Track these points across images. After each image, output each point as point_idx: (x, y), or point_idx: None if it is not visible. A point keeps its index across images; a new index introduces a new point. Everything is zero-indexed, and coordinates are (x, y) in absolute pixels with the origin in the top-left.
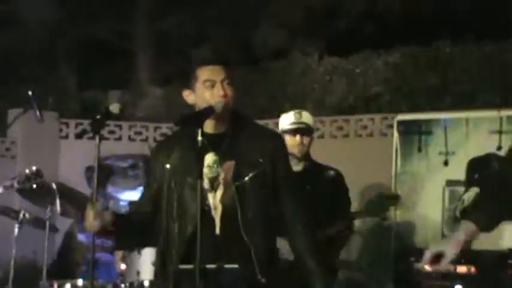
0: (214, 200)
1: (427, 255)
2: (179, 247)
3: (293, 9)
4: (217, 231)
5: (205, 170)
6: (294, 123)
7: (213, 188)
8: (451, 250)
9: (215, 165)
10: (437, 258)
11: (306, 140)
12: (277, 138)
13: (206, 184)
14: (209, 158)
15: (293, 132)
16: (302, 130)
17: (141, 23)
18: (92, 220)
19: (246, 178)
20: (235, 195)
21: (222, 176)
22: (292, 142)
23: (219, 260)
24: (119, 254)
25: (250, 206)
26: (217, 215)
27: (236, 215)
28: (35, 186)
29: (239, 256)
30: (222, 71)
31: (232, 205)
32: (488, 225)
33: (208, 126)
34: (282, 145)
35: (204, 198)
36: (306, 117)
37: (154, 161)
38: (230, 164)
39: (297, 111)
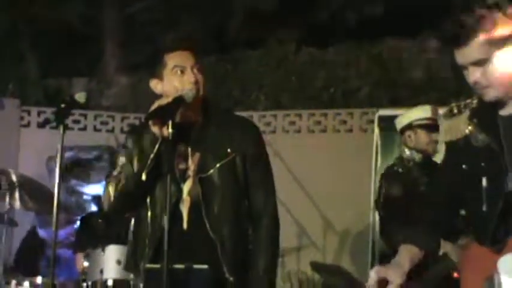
0: (183, 193)
1: (373, 278)
2: (150, 241)
3: None
4: (185, 226)
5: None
6: (431, 119)
7: (182, 180)
8: (396, 279)
9: (184, 156)
10: (383, 282)
11: (436, 137)
12: (250, 126)
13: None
14: (178, 149)
15: (429, 129)
16: (437, 128)
17: (108, 7)
18: None
19: (211, 170)
20: (198, 188)
21: (191, 168)
22: (425, 139)
23: (188, 257)
24: None
25: (216, 200)
26: (184, 209)
27: (201, 210)
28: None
29: (208, 254)
30: (191, 56)
31: (198, 199)
32: (429, 244)
33: (178, 115)
34: (254, 133)
35: (178, 191)
36: (438, 113)
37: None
38: (197, 156)
39: (432, 106)
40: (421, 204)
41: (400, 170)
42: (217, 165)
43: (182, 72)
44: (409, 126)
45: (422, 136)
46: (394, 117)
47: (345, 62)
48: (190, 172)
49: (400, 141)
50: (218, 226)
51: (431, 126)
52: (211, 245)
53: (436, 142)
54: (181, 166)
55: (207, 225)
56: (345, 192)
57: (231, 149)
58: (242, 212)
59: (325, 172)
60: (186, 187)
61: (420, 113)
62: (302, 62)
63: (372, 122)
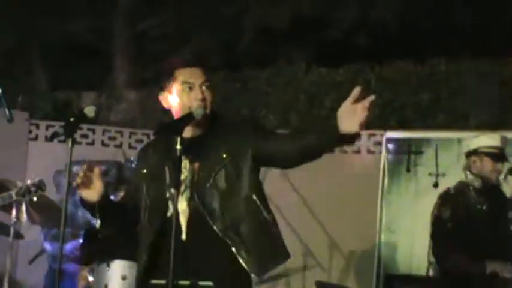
0: (182, 204)
1: None
2: (142, 256)
3: (281, 14)
4: (184, 236)
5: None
6: (499, 148)
7: (180, 192)
8: None
9: (183, 169)
10: None
11: (501, 166)
12: (245, 124)
13: (172, 190)
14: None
15: (496, 157)
16: (503, 157)
17: (119, 22)
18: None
19: (209, 179)
20: (197, 198)
21: (189, 179)
22: (490, 167)
23: (192, 272)
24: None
25: (221, 206)
26: (183, 221)
27: (204, 219)
28: (35, 198)
29: (212, 269)
30: (201, 73)
31: (198, 209)
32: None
33: (185, 130)
34: (249, 126)
35: (170, 203)
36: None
37: (137, 166)
38: (194, 167)
39: (502, 135)
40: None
41: (456, 193)
42: (214, 173)
43: (190, 88)
44: (476, 152)
45: (488, 164)
46: (402, 139)
47: (353, 83)
48: (188, 183)
49: (406, 164)
50: (231, 230)
51: (498, 155)
52: (215, 257)
53: (500, 172)
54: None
55: (218, 232)
56: (351, 213)
57: (226, 153)
58: (254, 206)
59: (331, 193)
60: (185, 199)
61: (489, 140)
62: (311, 81)
63: (380, 143)
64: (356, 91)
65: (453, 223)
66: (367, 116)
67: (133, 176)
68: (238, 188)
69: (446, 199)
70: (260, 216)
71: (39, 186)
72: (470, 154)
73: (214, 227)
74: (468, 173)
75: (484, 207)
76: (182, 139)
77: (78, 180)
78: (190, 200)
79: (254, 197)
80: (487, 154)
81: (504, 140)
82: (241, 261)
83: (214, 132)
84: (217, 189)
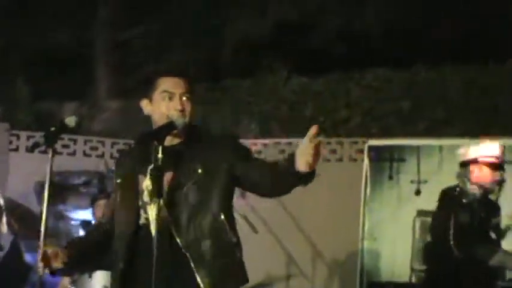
0: (152, 213)
1: None
2: (118, 265)
3: (261, 24)
4: (154, 247)
5: (147, 182)
6: (498, 157)
7: (152, 201)
8: None
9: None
10: None
11: (498, 176)
12: (225, 140)
13: (145, 197)
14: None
15: (495, 167)
16: (502, 167)
17: (100, 32)
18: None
19: (180, 190)
20: (163, 208)
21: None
22: (489, 176)
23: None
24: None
25: (187, 219)
26: (153, 229)
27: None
28: None
29: (179, 278)
30: (183, 84)
31: (167, 220)
32: None
33: (168, 138)
34: (229, 143)
35: (142, 212)
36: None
37: (114, 174)
38: (168, 176)
39: (501, 143)
40: None
41: (464, 200)
42: (186, 186)
43: (170, 98)
44: (475, 161)
45: (487, 173)
46: (384, 147)
47: (335, 92)
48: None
49: (388, 171)
50: (193, 245)
51: (496, 165)
52: (182, 269)
53: (497, 181)
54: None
55: (181, 245)
56: (334, 221)
57: (202, 168)
58: (220, 226)
59: (314, 201)
60: (155, 208)
61: (489, 149)
62: (292, 91)
63: (362, 151)
64: (313, 129)
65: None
66: (315, 158)
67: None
68: (207, 205)
69: (460, 206)
70: (225, 238)
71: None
72: (468, 163)
73: (178, 240)
74: (468, 182)
75: (482, 215)
76: (164, 148)
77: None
78: (162, 209)
79: (222, 217)
80: (487, 163)
81: (502, 148)
82: (198, 279)
83: (192, 144)
84: (186, 203)
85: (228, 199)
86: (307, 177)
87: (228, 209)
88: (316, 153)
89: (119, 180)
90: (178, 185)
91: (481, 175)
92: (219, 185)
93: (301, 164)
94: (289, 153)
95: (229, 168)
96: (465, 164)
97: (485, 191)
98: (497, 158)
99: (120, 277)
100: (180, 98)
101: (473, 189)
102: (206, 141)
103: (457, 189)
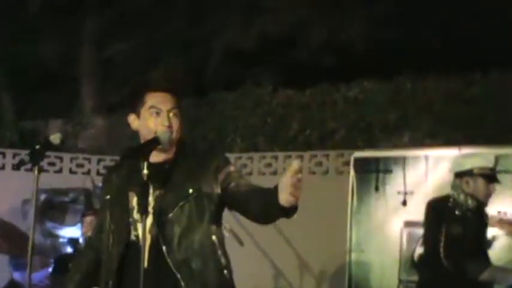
0: (144, 230)
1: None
2: (108, 283)
3: (247, 37)
4: (145, 264)
5: (137, 199)
6: (493, 169)
7: (142, 218)
8: None
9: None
10: None
11: (493, 188)
12: (214, 159)
13: (135, 214)
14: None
15: (489, 179)
16: (496, 178)
17: (85, 48)
18: None
19: (171, 211)
20: (155, 227)
21: (151, 205)
22: (484, 189)
23: None
24: None
25: (178, 240)
26: (145, 247)
27: (162, 249)
28: None
29: None
30: (171, 100)
31: (157, 238)
32: None
33: (155, 154)
34: (219, 162)
35: (132, 229)
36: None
37: (102, 190)
38: (158, 194)
39: (495, 155)
40: None
41: (457, 212)
42: (177, 206)
43: (157, 113)
44: (470, 173)
45: (482, 185)
46: (370, 159)
47: (321, 104)
48: (150, 209)
49: (375, 183)
50: (183, 264)
51: (491, 177)
52: (174, 285)
53: (491, 193)
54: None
55: (171, 265)
56: (321, 234)
57: (193, 188)
58: (210, 246)
59: (301, 213)
60: (147, 224)
61: (483, 161)
62: (278, 103)
63: (348, 163)
64: (294, 166)
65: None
66: (296, 194)
67: (100, 203)
68: (198, 226)
69: (452, 218)
70: (215, 258)
71: None
72: (462, 174)
73: (168, 260)
74: (461, 194)
75: (475, 228)
76: (149, 164)
77: None
78: (152, 227)
79: (213, 238)
80: (482, 175)
81: (497, 159)
82: None
83: (182, 161)
84: (178, 222)
85: (218, 219)
86: (289, 212)
87: (218, 228)
88: (297, 189)
89: (108, 197)
90: (169, 204)
91: (475, 186)
92: (210, 206)
93: (282, 200)
94: (275, 185)
95: (218, 190)
96: (460, 175)
97: (480, 204)
98: (492, 169)
99: None
100: (168, 114)
101: (467, 201)
102: (195, 159)
103: (450, 200)
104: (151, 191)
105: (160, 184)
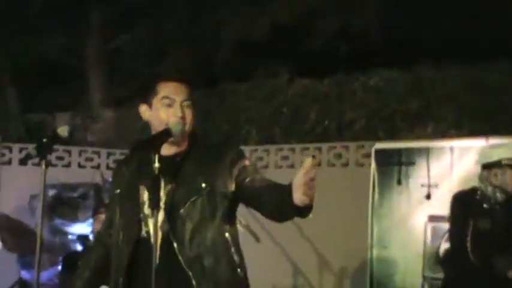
0: (155, 226)
1: None
2: (118, 280)
3: (260, 25)
4: (157, 260)
5: (148, 194)
6: None
7: (153, 213)
8: None
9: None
10: None
11: None
12: (223, 153)
13: (146, 209)
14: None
15: None
16: None
17: (92, 40)
18: None
19: (183, 207)
20: (166, 223)
21: (163, 200)
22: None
23: None
24: None
25: (190, 236)
26: (156, 243)
27: (173, 245)
28: None
29: None
30: (184, 90)
31: (168, 234)
32: None
33: (167, 147)
34: (233, 156)
35: (143, 224)
36: None
37: (112, 184)
38: (170, 188)
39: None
40: None
41: (485, 206)
42: (189, 201)
43: (170, 105)
44: (498, 164)
45: (510, 177)
46: (392, 150)
47: (339, 94)
48: (162, 204)
49: (397, 176)
50: (195, 262)
51: None
52: (186, 282)
53: None
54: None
55: (182, 262)
56: (340, 229)
57: (206, 182)
58: (223, 243)
59: (320, 208)
60: (159, 220)
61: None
62: (295, 93)
63: (369, 155)
64: (308, 162)
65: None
66: (311, 192)
67: (109, 197)
68: (211, 222)
69: (480, 212)
70: (228, 256)
71: None
72: (490, 166)
73: (180, 257)
74: (489, 186)
75: (503, 222)
76: (160, 157)
77: None
78: (163, 223)
79: (226, 235)
80: (510, 166)
81: None
82: None
83: (195, 155)
84: (190, 218)
85: (232, 215)
86: (303, 211)
87: (232, 225)
88: (311, 188)
89: (117, 191)
90: (180, 199)
91: (504, 178)
92: (223, 201)
93: (296, 199)
94: (290, 182)
95: (232, 185)
96: (487, 167)
97: (508, 196)
98: None
99: None
100: (181, 105)
101: (495, 194)
102: (208, 152)
103: (478, 192)
104: (162, 185)
105: (172, 178)
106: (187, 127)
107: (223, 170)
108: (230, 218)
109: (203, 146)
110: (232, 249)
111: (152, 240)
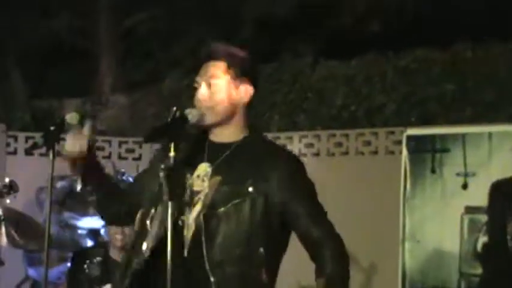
0: (190, 216)
1: None
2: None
3: (283, 3)
4: (185, 253)
5: (192, 181)
6: None
7: (192, 203)
8: None
9: (205, 178)
10: None
11: None
12: (289, 162)
13: (187, 196)
14: (201, 168)
15: None
16: None
17: (103, 19)
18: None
19: (222, 207)
20: (201, 221)
21: (204, 192)
22: None
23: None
24: None
25: (220, 240)
26: (188, 235)
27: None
28: (8, 201)
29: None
30: (212, 67)
31: (200, 232)
32: None
33: (214, 133)
34: (293, 171)
35: (179, 213)
36: None
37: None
38: (215, 181)
39: None
40: None
41: None
42: (231, 203)
43: (196, 88)
44: None
45: None
46: (425, 137)
47: (368, 76)
48: (202, 196)
49: (431, 164)
50: (218, 268)
51: None
52: (207, 280)
53: None
54: (197, 188)
55: (206, 264)
56: (370, 222)
57: (253, 187)
58: (251, 255)
59: (347, 200)
60: (194, 211)
61: None
62: (320, 77)
63: (400, 142)
64: None
65: None
66: None
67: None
68: (247, 231)
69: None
70: (256, 273)
71: (11, 187)
72: None
73: (205, 258)
74: None
75: None
76: (177, 145)
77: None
78: (198, 216)
79: (261, 250)
80: None
81: None
82: None
83: (248, 149)
84: (226, 221)
85: (276, 234)
86: None
87: (273, 244)
88: None
89: (162, 174)
90: (221, 198)
91: None
92: (267, 214)
93: None
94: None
95: (280, 204)
96: None
97: None
98: None
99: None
100: (205, 85)
101: None
102: (265, 152)
103: None
104: (209, 176)
105: (219, 170)
106: (213, 110)
107: (278, 180)
108: (274, 235)
109: (259, 140)
110: (264, 268)
111: (185, 231)
